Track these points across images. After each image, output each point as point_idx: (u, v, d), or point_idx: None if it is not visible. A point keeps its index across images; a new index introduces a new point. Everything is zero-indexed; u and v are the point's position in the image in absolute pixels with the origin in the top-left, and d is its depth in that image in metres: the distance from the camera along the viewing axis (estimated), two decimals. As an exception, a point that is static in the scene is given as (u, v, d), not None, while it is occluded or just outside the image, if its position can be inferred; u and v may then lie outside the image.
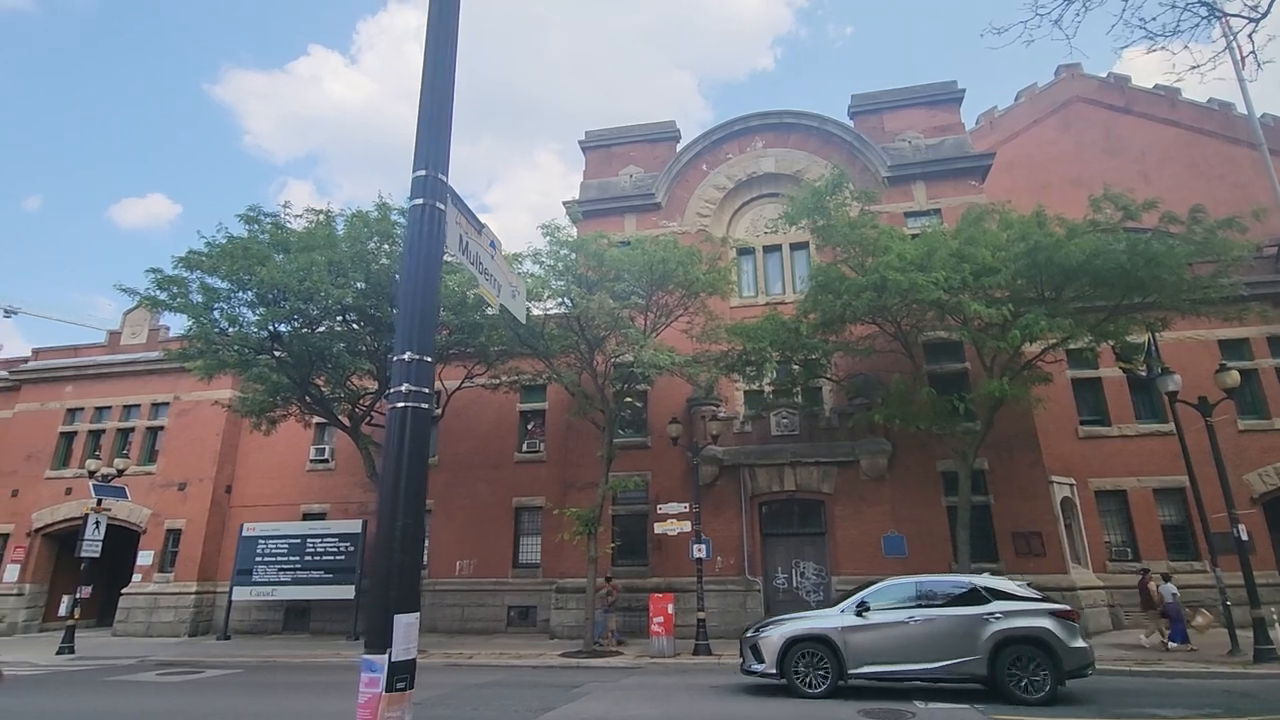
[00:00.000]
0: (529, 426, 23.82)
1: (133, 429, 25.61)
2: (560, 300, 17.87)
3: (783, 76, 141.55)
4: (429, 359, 2.99)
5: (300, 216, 16.93)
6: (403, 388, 2.87)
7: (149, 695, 12.04)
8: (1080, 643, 9.94)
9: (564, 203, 23.08)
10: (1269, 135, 26.60)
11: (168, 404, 25.48)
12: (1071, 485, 19.08)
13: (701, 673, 13.60)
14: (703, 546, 16.37)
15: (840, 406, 19.49)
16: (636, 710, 9.71)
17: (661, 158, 24.10)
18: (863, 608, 10.91)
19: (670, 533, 16.95)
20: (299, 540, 21.97)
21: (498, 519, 22.56)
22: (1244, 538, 13.28)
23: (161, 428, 25.40)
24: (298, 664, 16.14)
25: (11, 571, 24.42)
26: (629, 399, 18.91)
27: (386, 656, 2.49)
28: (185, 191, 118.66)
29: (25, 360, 27.90)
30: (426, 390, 2.96)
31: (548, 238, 16.66)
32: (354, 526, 21.82)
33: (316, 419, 21.11)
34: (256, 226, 16.80)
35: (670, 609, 15.67)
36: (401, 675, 2.51)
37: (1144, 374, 15.19)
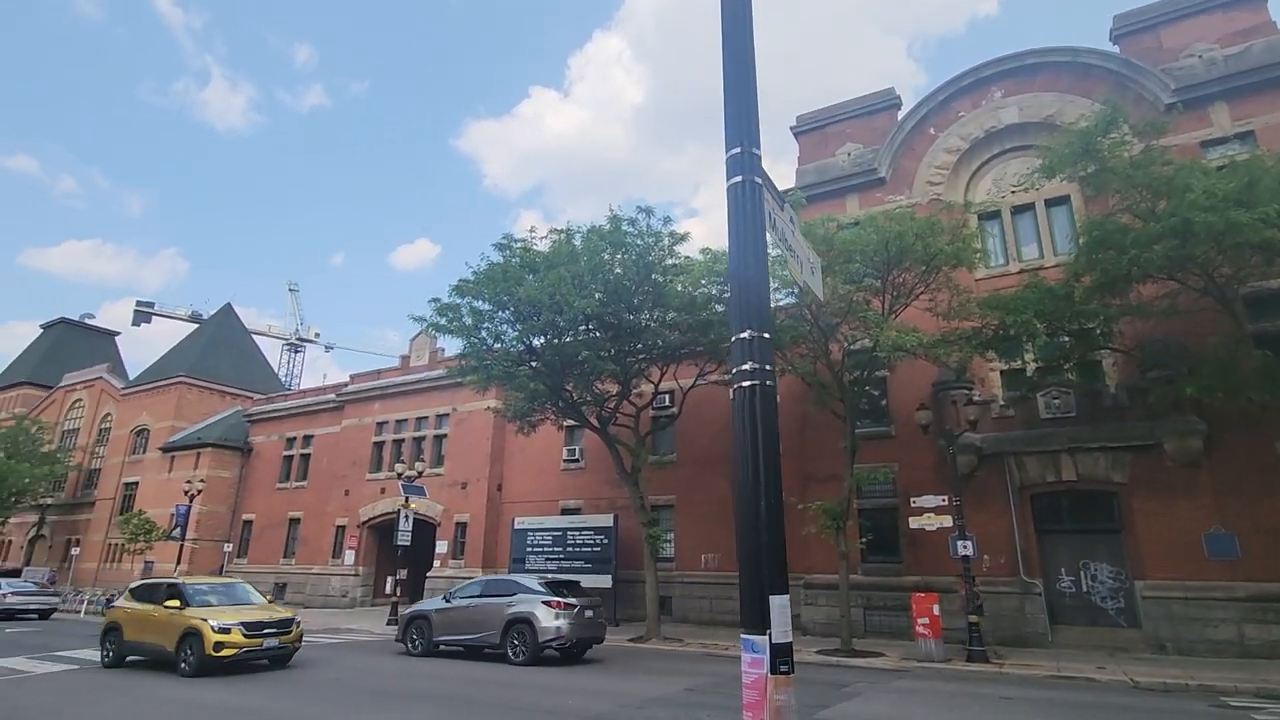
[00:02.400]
0: (762, 421, 23.68)
1: (423, 437, 30.16)
2: (789, 290, 17.56)
3: (1009, 21, 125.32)
4: (767, 335, 3.00)
5: (545, 238, 18.65)
6: (746, 366, 2.91)
7: (465, 665, 13.97)
8: (556, 623, 13.86)
9: (781, 192, 22.65)
10: None
11: (448, 415, 29.60)
12: None
13: (987, 682, 12.39)
14: (968, 543, 14.94)
15: (1129, 381, 16.61)
16: (923, 716, 9.10)
17: (881, 129, 22.60)
18: (450, 597, 15.87)
19: (928, 528, 15.75)
20: (560, 533, 24.16)
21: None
22: None
23: (444, 435, 29.57)
24: (571, 645, 17.71)
25: (349, 556, 30.09)
26: (864, 387, 17.97)
27: (767, 638, 2.53)
28: (443, 234, 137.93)
29: (345, 385, 34.26)
30: (769, 367, 2.96)
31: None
32: (606, 520, 23.44)
33: (568, 422, 23.07)
34: (509, 252, 18.82)
35: (936, 610, 14.53)
36: (784, 658, 2.55)
37: None
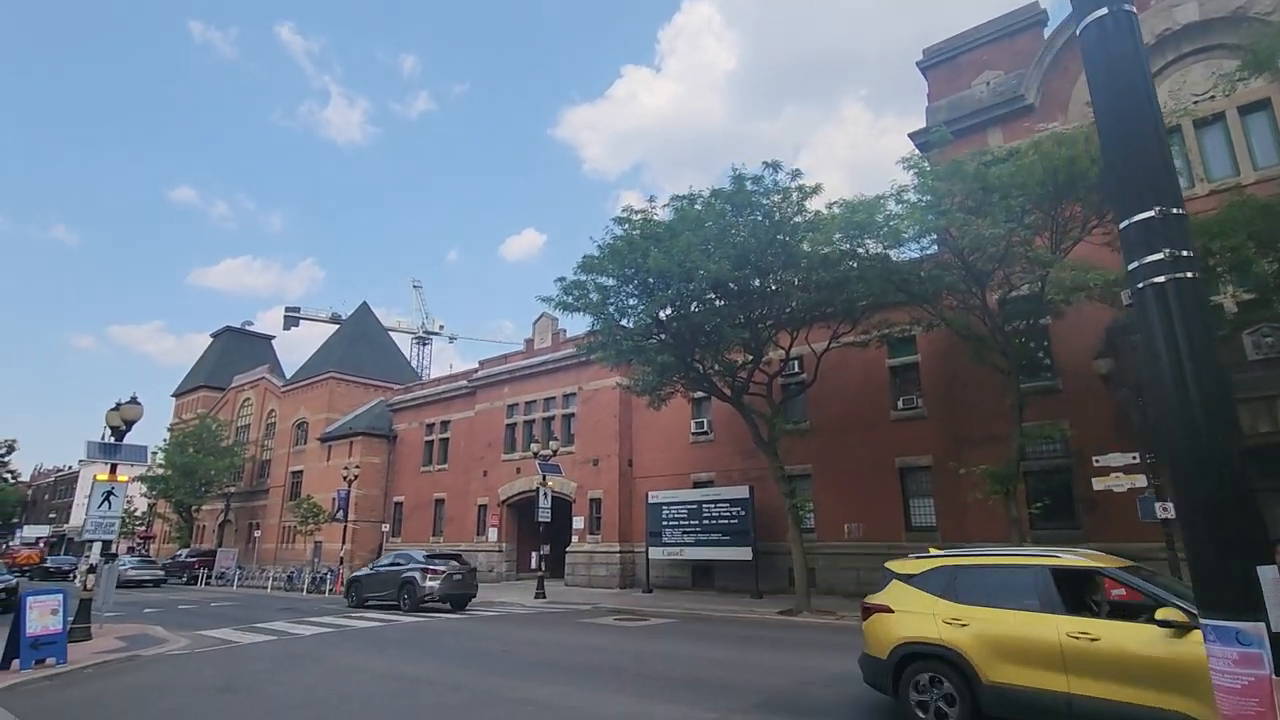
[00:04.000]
0: (900, 382, 22.31)
1: (552, 417, 30.87)
2: (932, 238, 16.16)
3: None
4: (1178, 210, 2.24)
5: (666, 206, 18.20)
6: (1153, 256, 2.16)
7: (620, 636, 14.09)
8: (430, 584, 19.23)
9: (910, 135, 20.94)
10: None
11: (575, 394, 30.09)
12: None
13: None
14: (1168, 505, 13.20)
15: (1367, 309, 14.00)
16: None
17: (1025, 52, 20.25)
18: (372, 567, 22.24)
19: (1116, 489, 14.09)
20: (695, 505, 23.96)
21: (881, 480, 21.59)
22: None
23: (572, 414, 30.12)
24: (719, 618, 17.50)
25: (492, 534, 31.50)
26: (1023, 339, 16.29)
27: (1263, 626, 1.79)
28: (548, 222, 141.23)
29: (475, 371, 35.69)
30: (1188, 253, 2.22)
31: (911, 170, 15.10)
32: (742, 492, 22.98)
33: (697, 394, 22.72)
34: (629, 225, 18.54)
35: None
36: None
37: None
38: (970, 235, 13.57)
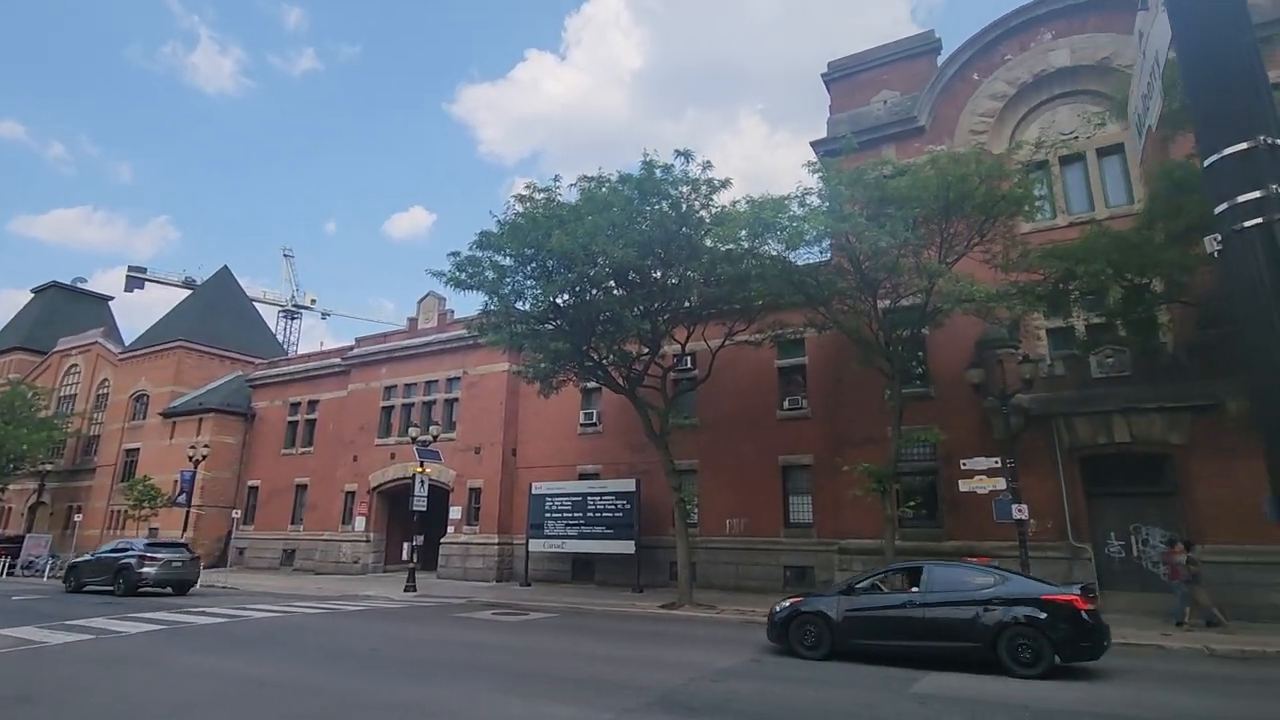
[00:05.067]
0: (788, 383, 22.97)
1: (434, 402, 29.31)
2: (828, 244, 16.64)
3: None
4: (1278, 141, 1.92)
5: (573, 185, 17.57)
6: (1250, 195, 1.85)
7: (499, 632, 13.36)
8: (146, 569, 19.79)
9: (812, 143, 21.57)
10: None
11: (459, 378, 28.72)
12: None
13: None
14: (1023, 507, 14.30)
15: (1189, 339, 15.84)
16: (1019, 691, 8.45)
17: (920, 75, 21.40)
18: (93, 554, 22.38)
19: (979, 491, 15.10)
20: (580, 498, 23.51)
21: (764, 478, 22.13)
22: None
23: (455, 399, 28.73)
24: (602, 612, 17.14)
25: (359, 522, 29.46)
26: (902, 346, 17.16)
27: None
28: (438, 201, 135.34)
29: (350, 349, 33.27)
30: None
31: (816, 174, 15.43)
32: (628, 485, 22.77)
33: (590, 384, 22.29)
34: (531, 204, 17.75)
35: (989, 575, 13.89)
36: None
37: None
38: (868, 242, 14.01)
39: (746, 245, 16.56)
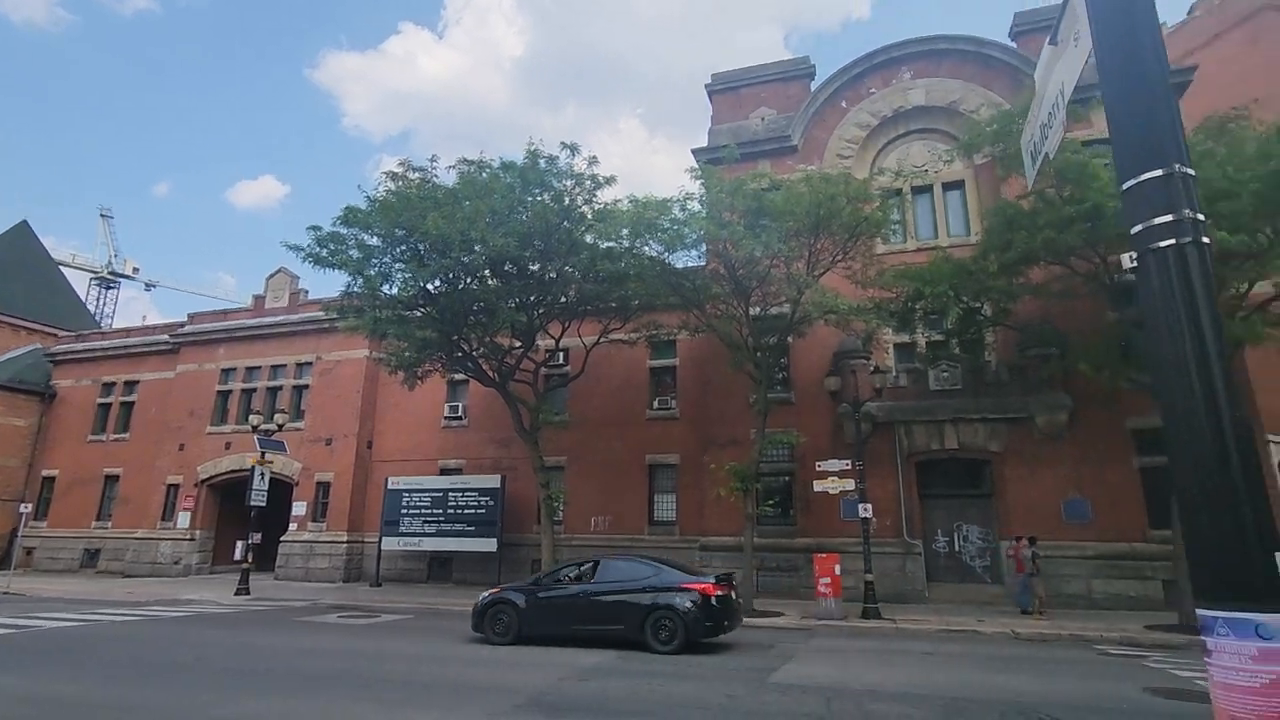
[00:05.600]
0: (658, 383, 23.37)
1: (280, 388, 26.91)
2: (705, 249, 17.10)
3: (880, 25, 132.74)
4: (1188, 170, 2.10)
5: (452, 168, 16.75)
6: (1163, 219, 1.98)
7: (346, 636, 12.41)
8: None
9: (694, 150, 22.10)
10: None
11: (311, 363, 26.58)
12: (1292, 445, 16.82)
13: (891, 637, 12.86)
14: (868, 506, 15.44)
15: (1009, 359, 17.88)
16: (875, 675, 9.05)
17: (795, 98, 22.59)
18: None
19: (831, 490, 16.09)
20: (441, 494, 22.54)
21: (631, 476, 22.35)
22: None
23: (306, 386, 26.56)
24: (459, 612, 16.32)
25: (183, 519, 26.40)
26: (766, 353, 18.03)
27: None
28: (293, 172, 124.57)
29: (181, 325, 29.76)
30: (1199, 217, 2.07)
31: (699, 180, 15.80)
32: (493, 481, 22.15)
33: (458, 375, 21.42)
34: (404, 182, 16.76)
35: (837, 570, 14.90)
36: None
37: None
38: (745, 250, 14.53)
39: (627, 244, 16.62)
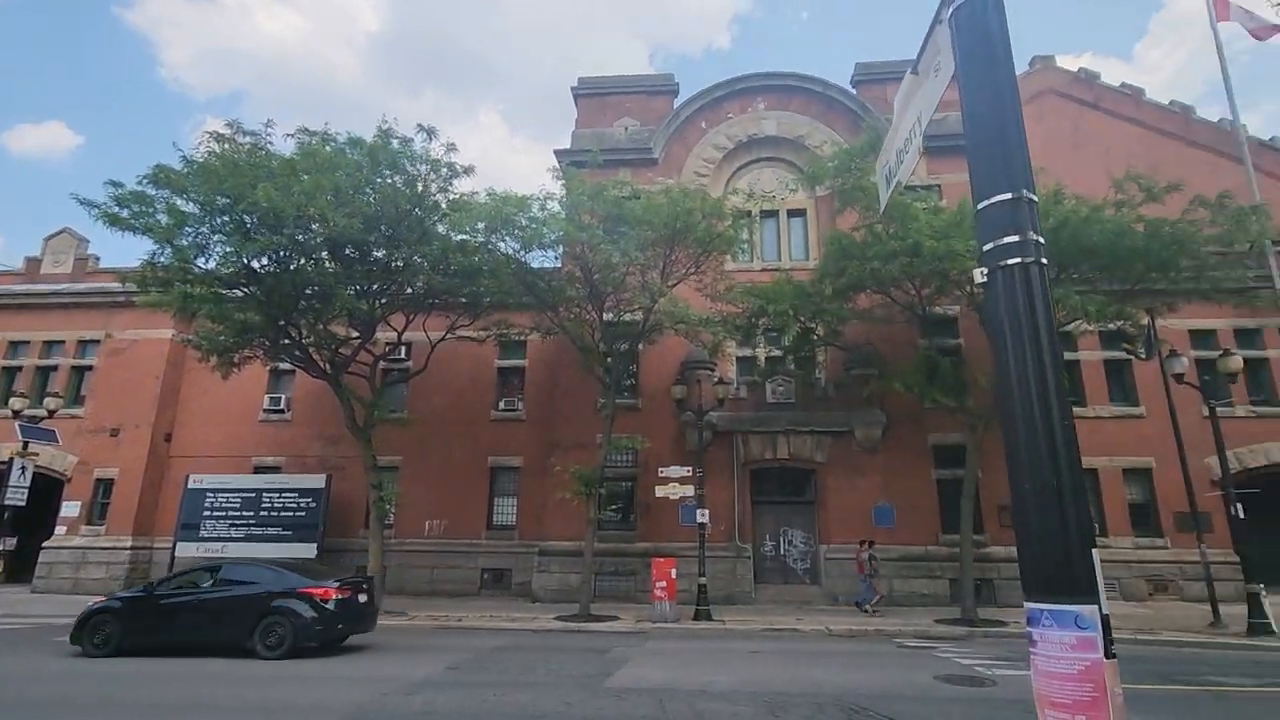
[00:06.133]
0: (505, 384, 22.84)
1: (55, 367, 23.05)
2: (561, 251, 16.94)
3: (738, 55, 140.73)
4: (1033, 195, 2.28)
5: (291, 136, 15.21)
6: (1009, 239, 2.11)
7: (140, 659, 10.71)
8: None
9: (556, 151, 21.94)
10: (1226, 141, 28.03)
11: (98, 341, 23.00)
12: (1049, 462, 19.78)
13: (720, 638, 13.38)
14: (705, 512, 16.05)
15: (837, 377, 19.44)
16: (706, 676, 9.28)
17: (659, 112, 23.17)
18: None
19: (672, 496, 16.55)
20: (254, 494, 20.40)
21: (471, 478, 21.59)
22: (1237, 515, 13.91)
23: (90, 368, 22.95)
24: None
25: (-93, 520, 21.63)
26: (613, 360, 18.27)
27: (1097, 609, 1.80)
28: (90, 122, 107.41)
29: (-78, 284, 24.52)
30: (1039, 240, 2.26)
31: (560, 180, 15.65)
32: (317, 481, 20.43)
33: (283, 364, 19.53)
34: (230, 145, 15.01)
35: (674, 573, 15.31)
36: (1109, 635, 1.79)
37: (1142, 357, 15.67)
38: (603, 255, 14.58)
39: (483, 239, 16.04)
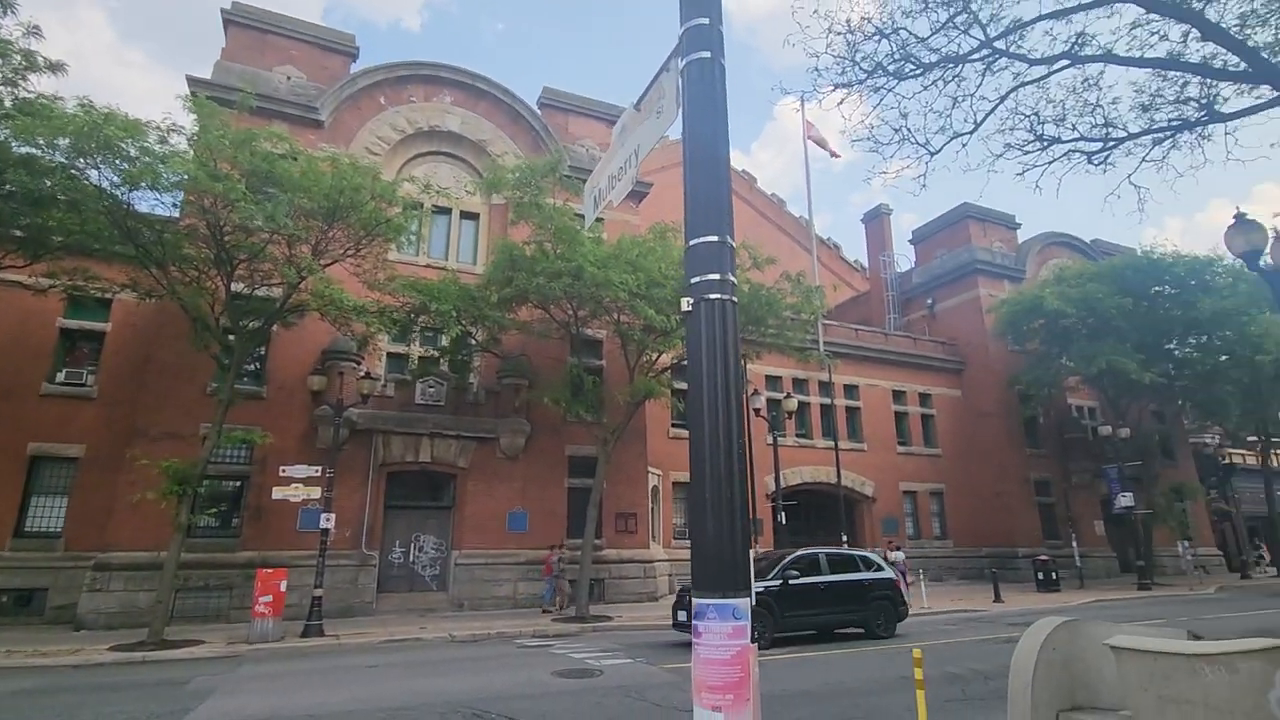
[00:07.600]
0: (72, 350, 17.84)
1: None
2: (188, 199, 13.94)
3: (426, 42, 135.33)
4: (732, 241, 2.51)
5: None
6: (713, 275, 2.22)
7: None
8: None
9: (189, 78, 18.18)
10: (802, 233, 36.48)
11: None
12: (659, 475, 22.87)
13: (334, 655, 12.19)
14: (331, 516, 14.61)
15: (489, 384, 19.65)
16: (315, 699, 8.25)
17: (333, 72, 20.88)
18: None
19: (294, 498, 14.65)
20: None
21: (-3, 470, 16.24)
22: (781, 522, 17.82)
23: None
24: None
25: None
26: (239, 337, 15.74)
27: (749, 601, 2.00)
28: None
29: None
30: (734, 280, 2.56)
31: (194, 114, 12.95)
32: None
33: None
34: None
35: (283, 586, 13.55)
36: (754, 624, 1.91)
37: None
38: (242, 215, 12.40)
39: (65, 159, 12.31)
